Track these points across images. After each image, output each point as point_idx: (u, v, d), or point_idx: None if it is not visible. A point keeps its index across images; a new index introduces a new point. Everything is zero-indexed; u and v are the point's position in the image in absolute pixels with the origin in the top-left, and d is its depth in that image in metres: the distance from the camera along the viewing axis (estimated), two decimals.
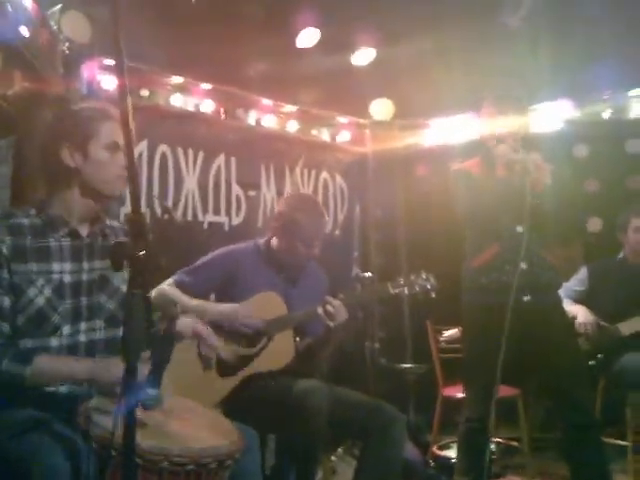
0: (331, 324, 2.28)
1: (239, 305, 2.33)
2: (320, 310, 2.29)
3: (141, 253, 1.22)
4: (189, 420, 1.59)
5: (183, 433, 1.48)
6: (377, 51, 3.72)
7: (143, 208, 3.46)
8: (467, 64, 3.45)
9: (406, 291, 2.37)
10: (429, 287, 2.39)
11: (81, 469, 1.37)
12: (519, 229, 2.49)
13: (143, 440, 1.30)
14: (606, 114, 3.90)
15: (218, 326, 2.27)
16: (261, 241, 2.58)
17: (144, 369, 1.45)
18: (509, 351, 2.58)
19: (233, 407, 2.15)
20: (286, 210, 2.51)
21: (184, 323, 1.87)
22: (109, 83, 3.15)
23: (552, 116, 4.00)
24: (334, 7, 3.35)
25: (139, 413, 1.29)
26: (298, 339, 2.43)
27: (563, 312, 2.72)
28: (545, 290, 2.56)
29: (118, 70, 1.28)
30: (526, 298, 2.49)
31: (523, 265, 2.46)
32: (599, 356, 3.20)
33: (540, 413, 3.69)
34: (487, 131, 2.65)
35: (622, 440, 3.12)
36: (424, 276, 2.40)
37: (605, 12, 2.91)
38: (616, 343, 3.19)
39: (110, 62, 3.09)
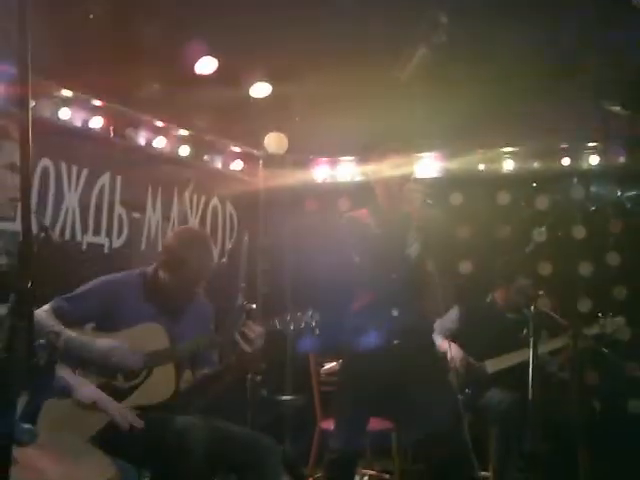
0: (249, 349, 2.28)
1: (117, 341, 2.26)
2: (237, 335, 2.29)
3: (28, 285, 1.18)
4: (64, 456, 1.52)
5: (58, 471, 1.42)
6: (273, 85, 3.82)
7: (18, 225, 3.25)
8: (355, 108, 3.63)
9: (292, 327, 2.42)
10: (314, 324, 2.44)
11: None
12: (394, 276, 2.67)
13: (16, 478, 1.23)
14: (481, 166, 4.29)
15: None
16: (148, 270, 2.51)
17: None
18: (381, 388, 2.73)
19: (108, 441, 2.06)
20: (175, 245, 2.46)
21: (84, 393, 2.09)
22: None
23: (431, 165, 4.35)
24: (232, 39, 3.40)
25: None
26: (191, 371, 2.40)
27: (432, 352, 2.83)
28: (413, 334, 2.69)
29: (21, 82, 1.23)
30: (396, 341, 2.66)
31: (395, 312, 2.66)
32: (467, 391, 3.38)
33: (410, 446, 3.87)
34: (377, 175, 2.82)
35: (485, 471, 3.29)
36: (310, 313, 2.45)
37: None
38: (481, 380, 3.40)
39: None
